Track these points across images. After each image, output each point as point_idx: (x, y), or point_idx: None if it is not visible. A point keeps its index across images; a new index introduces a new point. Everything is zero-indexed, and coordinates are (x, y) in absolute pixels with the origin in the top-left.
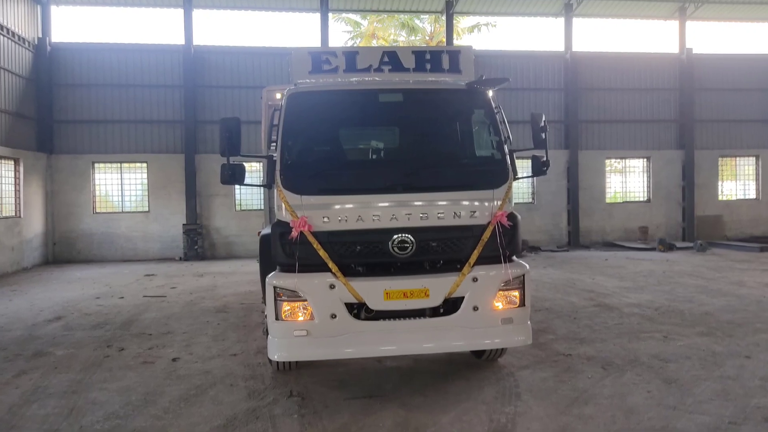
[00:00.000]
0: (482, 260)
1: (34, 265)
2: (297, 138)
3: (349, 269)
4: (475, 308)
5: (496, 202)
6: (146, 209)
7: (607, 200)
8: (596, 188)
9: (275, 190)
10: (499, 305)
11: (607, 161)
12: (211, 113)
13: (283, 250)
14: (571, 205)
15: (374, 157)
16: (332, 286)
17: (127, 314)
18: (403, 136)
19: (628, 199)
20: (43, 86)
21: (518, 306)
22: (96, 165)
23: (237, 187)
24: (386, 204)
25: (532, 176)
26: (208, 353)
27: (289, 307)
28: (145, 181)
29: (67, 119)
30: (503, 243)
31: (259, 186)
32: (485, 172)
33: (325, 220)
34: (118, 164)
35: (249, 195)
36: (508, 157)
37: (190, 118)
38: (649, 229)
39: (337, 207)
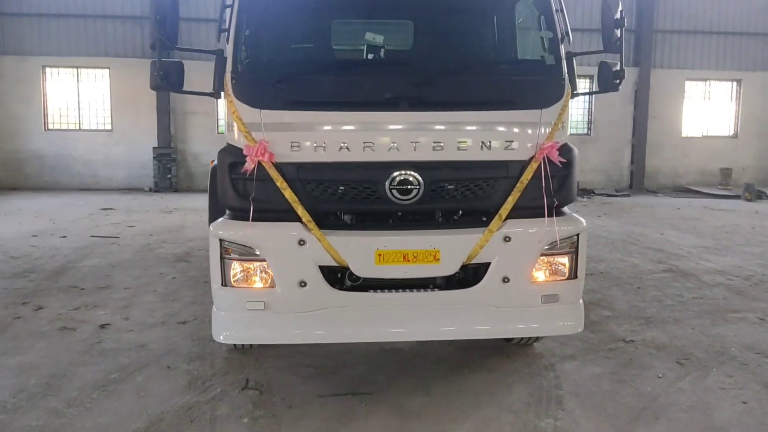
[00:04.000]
0: (519, 211)
1: None
2: (259, 26)
3: (327, 219)
4: (505, 279)
5: (544, 129)
6: (109, 127)
7: (683, 134)
8: (670, 118)
9: (225, 101)
10: (539, 276)
11: (687, 83)
12: (188, 6)
13: (234, 189)
14: (636, 139)
15: (370, 57)
16: (302, 242)
17: (63, 259)
18: (413, 29)
19: (708, 134)
20: None
21: (567, 278)
22: (47, 70)
23: (220, 102)
24: (384, 126)
25: (598, 92)
26: (150, 319)
27: (240, 269)
28: (108, 92)
29: (11, 11)
30: (551, 188)
31: (203, 94)
32: (531, 84)
33: (295, 147)
34: (75, 69)
35: None
36: (564, 62)
37: None
38: (733, 172)
39: (313, 128)
